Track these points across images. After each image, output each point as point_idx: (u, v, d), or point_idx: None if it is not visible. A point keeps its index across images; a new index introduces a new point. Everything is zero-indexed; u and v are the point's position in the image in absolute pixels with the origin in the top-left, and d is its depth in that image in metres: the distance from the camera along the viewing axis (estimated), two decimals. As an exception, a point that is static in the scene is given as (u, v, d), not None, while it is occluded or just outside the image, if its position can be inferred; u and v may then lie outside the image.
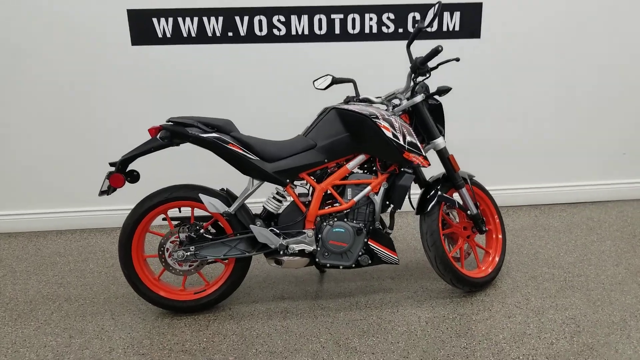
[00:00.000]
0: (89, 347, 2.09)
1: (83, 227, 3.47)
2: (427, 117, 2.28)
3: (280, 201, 2.32)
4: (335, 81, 2.42)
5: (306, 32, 3.11)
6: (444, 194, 2.33)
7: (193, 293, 2.33)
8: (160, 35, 3.06)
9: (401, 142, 2.18)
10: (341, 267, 2.29)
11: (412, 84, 2.29)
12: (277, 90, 3.24)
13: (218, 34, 3.09)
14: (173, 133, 2.17)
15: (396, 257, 2.31)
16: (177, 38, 3.07)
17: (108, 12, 3.00)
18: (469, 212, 2.38)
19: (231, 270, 2.31)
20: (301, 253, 2.26)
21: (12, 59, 3.05)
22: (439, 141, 2.30)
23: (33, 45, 3.04)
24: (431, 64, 2.27)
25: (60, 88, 3.14)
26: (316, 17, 3.06)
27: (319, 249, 2.26)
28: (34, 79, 3.10)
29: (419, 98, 2.27)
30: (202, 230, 2.24)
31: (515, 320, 2.19)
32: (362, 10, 3.08)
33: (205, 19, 3.04)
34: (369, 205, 2.29)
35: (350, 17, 3.08)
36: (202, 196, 2.20)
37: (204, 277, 2.37)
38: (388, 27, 3.14)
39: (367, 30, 3.12)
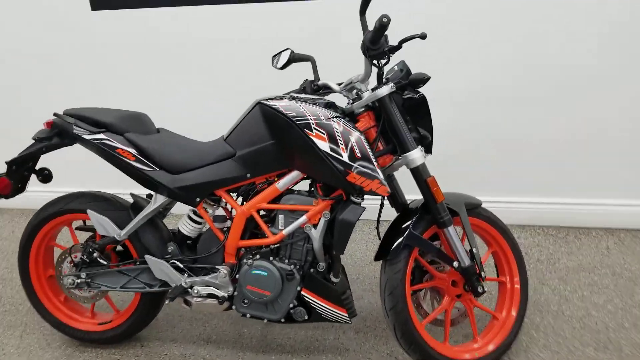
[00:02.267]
0: (-36, 379, 1.79)
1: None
2: (395, 117, 1.52)
3: (199, 223, 1.76)
4: (294, 58, 1.75)
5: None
6: (419, 234, 1.57)
7: (97, 324, 1.91)
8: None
9: (344, 158, 1.46)
10: (265, 320, 1.69)
11: (372, 68, 1.53)
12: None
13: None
14: (61, 130, 1.69)
15: (345, 315, 1.64)
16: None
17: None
18: (455, 263, 1.60)
19: (137, 304, 1.83)
20: (213, 296, 1.69)
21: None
22: (414, 155, 1.53)
23: None
24: (393, 42, 1.48)
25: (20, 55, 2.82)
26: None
27: (236, 293, 1.68)
28: None
29: (384, 89, 1.51)
30: (95, 254, 1.77)
31: None
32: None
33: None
34: (306, 241, 1.63)
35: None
36: (90, 213, 1.72)
37: (114, 305, 1.93)
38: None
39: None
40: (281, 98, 1.57)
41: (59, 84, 2.88)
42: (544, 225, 2.61)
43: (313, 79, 1.77)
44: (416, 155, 1.53)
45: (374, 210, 1.74)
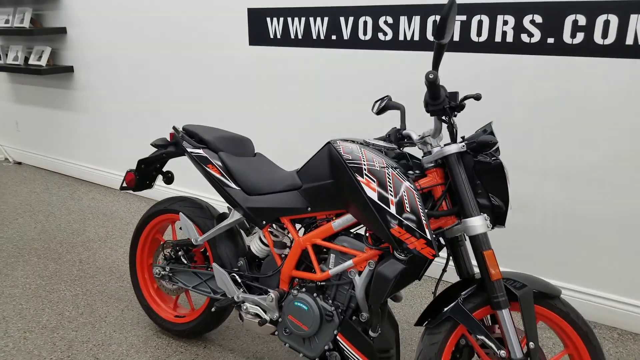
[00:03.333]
0: (78, 330, 2.17)
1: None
2: (459, 178, 1.43)
3: (266, 245, 1.87)
4: (388, 106, 1.78)
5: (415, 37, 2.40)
6: (468, 309, 1.43)
7: (174, 315, 2.14)
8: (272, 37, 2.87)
9: (391, 209, 1.42)
10: (302, 355, 1.70)
11: (442, 124, 1.46)
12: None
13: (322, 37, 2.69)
14: (176, 142, 2.00)
15: (376, 374, 1.56)
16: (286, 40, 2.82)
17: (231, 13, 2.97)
18: (503, 352, 1.39)
19: (205, 307, 2.01)
20: (259, 317, 1.77)
21: (159, 55, 3.38)
22: (474, 222, 1.41)
23: (171, 41, 3.28)
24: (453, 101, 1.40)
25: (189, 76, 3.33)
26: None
27: (280, 320, 1.73)
28: (180, 66, 3.37)
29: (452, 148, 1.44)
30: (180, 252, 2.01)
31: None
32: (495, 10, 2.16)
33: (311, 19, 2.68)
34: (351, 287, 1.61)
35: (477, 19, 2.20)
36: (181, 215, 1.96)
37: (192, 303, 2.15)
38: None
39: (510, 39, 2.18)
40: (353, 141, 1.61)
41: (206, 102, 3.33)
42: None
43: (400, 127, 1.76)
44: (477, 222, 1.41)
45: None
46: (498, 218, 1.47)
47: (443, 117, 1.44)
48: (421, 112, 2.21)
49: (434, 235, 1.42)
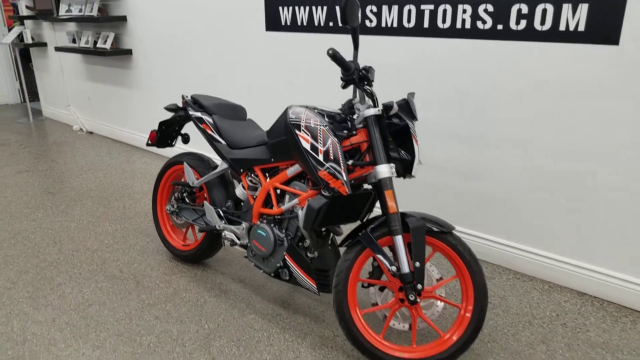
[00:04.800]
0: (108, 262, 2.82)
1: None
2: (374, 135, 1.84)
3: (254, 189, 2.37)
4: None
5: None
6: (374, 236, 1.85)
7: (182, 245, 2.71)
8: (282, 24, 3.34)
9: (320, 157, 1.86)
10: (262, 271, 2.19)
11: (359, 92, 1.87)
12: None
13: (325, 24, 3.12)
14: (185, 107, 2.54)
15: (313, 286, 2.03)
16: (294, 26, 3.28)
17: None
18: (393, 268, 1.80)
19: (203, 238, 2.56)
20: (233, 242, 2.29)
21: (183, 41, 3.95)
22: (381, 168, 1.81)
23: (195, 28, 3.83)
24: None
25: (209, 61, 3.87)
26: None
27: (248, 244, 2.24)
28: (200, 54, 3.93)
29: (368, 112, 1.85)
30: (184, 194, 2.57)
31: None
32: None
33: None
34: (297, 219, 2.07)
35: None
36: (184, 164, 2.51)
37: (195, 236, 2.70)
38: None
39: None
40: (306, 107, 2.05)
41: (230, 78, 3.86)
42: (607, 300, 2.33)
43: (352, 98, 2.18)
44: (383, 169, 1.82)
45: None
46: (408, 168, 1.87)
47: (361, 86, 1.85)
48: (393, 90, 2.60)
49: (349, 179, 1.85)
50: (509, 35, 2.37)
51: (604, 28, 2.11)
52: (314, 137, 1.88)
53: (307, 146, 1.89)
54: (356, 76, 1.81)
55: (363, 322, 1.89)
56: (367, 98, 1.90)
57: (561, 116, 2.31)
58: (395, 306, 1.87)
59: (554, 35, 2.24)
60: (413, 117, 1.90)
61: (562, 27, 2.22)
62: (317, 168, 1.86)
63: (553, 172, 2.39)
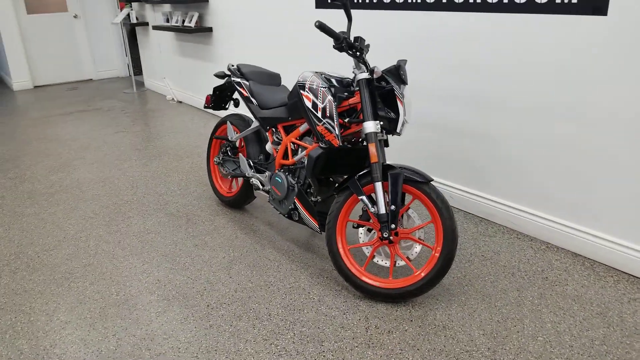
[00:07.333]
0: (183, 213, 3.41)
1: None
2: (364, 96, 2.13)
3: (277, 143, 2.78)
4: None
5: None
6: (360, 183, 2.16)
7: (227, 192, 3.22)
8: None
9: (319, 114, 2.20)
10: (278, 212, 2.60)
11: (356, 60, 2.16)
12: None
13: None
14: (230, 74, 3.00)
15: (316, 225, 2.39)
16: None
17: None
18: (372, 208, 2.10)
19: (241, 185, 3.03)
20: (259, 188, 2.72)
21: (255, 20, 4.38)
22: (366, 125, 2.11)
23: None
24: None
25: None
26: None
27: (270, 190, 2.65)
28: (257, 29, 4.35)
29: (359, 76, 2.14)
30: (228, 148, 3.05)
31: None
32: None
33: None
34: (304, 168, 2.44)
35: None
36: (228, 123, 2.98)
37: (237, 184, 3.18)
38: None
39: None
40: (314, 72, 2.39)
41: (286, 51, 4.26)
42: (599, 261, 2.38)
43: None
44: (369, 125, 2.11)
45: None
46: (394, 126, 2.15)
47: (351, 53, 2.14)
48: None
49: (346, 134, 2.17)
50: (513, 8, 2.49)
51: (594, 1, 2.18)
52: (315, 97, 2.22)
53: (309, 104, 2.24)
54: (345, 44, 2.11)
55: (349, 255, 2.22)
56: (358, 65, 2.19)
57: (561, 82, 2.41)
58: (376, 244, 2.18)
59: (552, 5, 2.34)
60: (402, 82, 2.16)
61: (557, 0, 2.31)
62: (316, 123, 2.21)
63: (554, 135, 2.50)
